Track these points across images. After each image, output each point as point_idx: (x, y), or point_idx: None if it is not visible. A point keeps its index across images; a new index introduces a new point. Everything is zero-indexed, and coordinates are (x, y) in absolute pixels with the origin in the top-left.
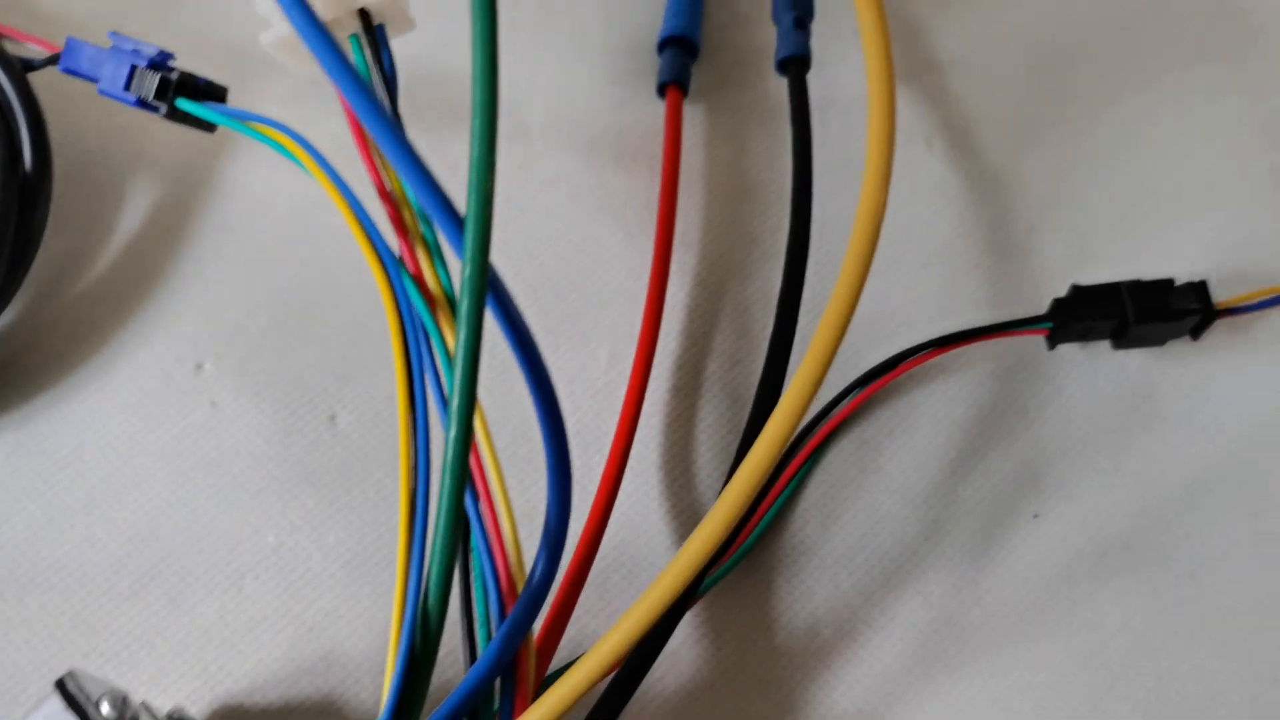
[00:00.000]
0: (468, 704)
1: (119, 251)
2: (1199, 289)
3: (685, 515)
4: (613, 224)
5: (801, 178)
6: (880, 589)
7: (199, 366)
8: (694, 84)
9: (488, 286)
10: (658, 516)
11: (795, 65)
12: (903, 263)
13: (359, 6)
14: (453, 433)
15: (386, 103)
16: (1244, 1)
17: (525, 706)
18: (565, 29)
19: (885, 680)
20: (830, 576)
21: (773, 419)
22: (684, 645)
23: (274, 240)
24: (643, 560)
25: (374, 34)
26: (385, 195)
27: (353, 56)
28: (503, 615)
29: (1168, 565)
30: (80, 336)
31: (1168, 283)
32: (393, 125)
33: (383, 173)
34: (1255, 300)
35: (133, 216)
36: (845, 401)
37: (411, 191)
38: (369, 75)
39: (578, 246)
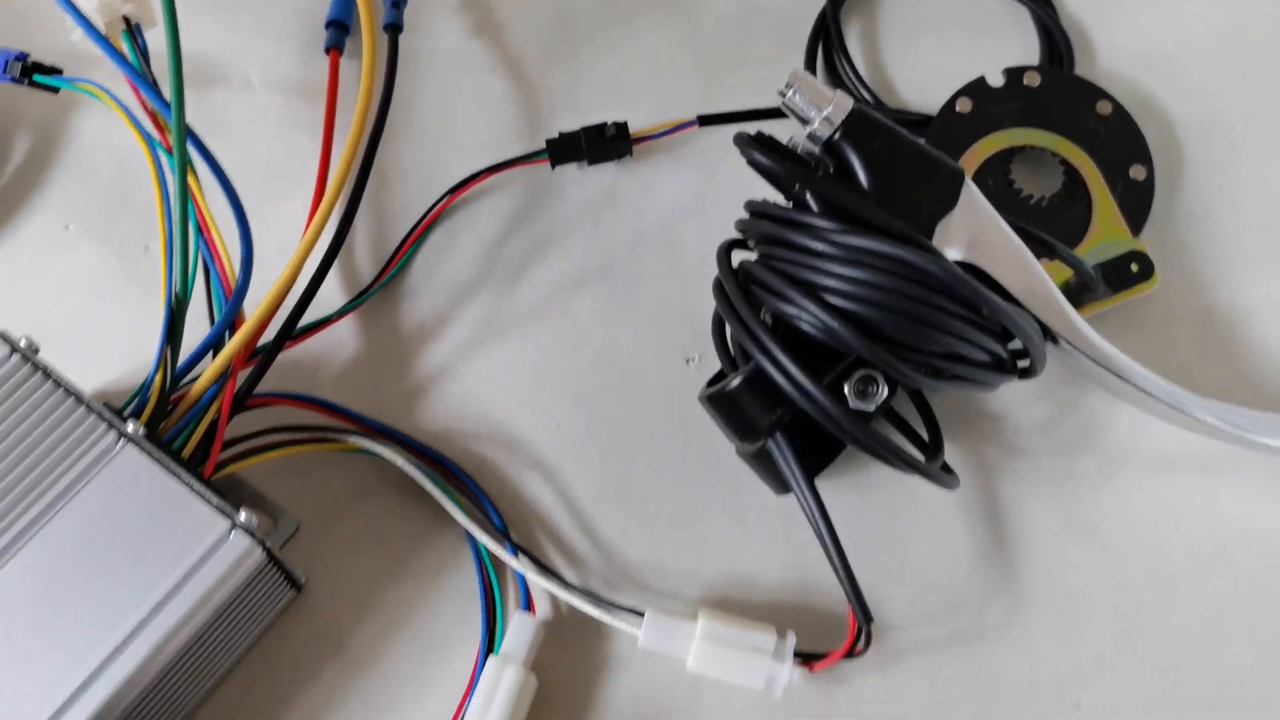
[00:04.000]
0: (215, 337)
1: (15, 166)
2: (621, 126)
3: (345, 268)
4: (306, 131)
5: (384, 100)
6: (459, 302)
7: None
8: (349, 47)
9: (185, 133)
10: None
11: (391, 30)
12: (483, 140)
13: (122, 15)
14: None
15: (145, 69)
16: None
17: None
18: (273, 21)
19: (462, 348)
20: (431, 300)
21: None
22: (345, 333)
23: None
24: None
25: (134, 30)
26: (147, 110)
27: (124, 44)
28: (226, 298)
29: (617, 277)
30: None
31: (603, 125)
32: (147, 79)
33: (144, 101)
34: (659, 131)
35: (19, 147)
36: (437, 204)
37: (156, 105)
38: (135, 56)
39: (286, 144)
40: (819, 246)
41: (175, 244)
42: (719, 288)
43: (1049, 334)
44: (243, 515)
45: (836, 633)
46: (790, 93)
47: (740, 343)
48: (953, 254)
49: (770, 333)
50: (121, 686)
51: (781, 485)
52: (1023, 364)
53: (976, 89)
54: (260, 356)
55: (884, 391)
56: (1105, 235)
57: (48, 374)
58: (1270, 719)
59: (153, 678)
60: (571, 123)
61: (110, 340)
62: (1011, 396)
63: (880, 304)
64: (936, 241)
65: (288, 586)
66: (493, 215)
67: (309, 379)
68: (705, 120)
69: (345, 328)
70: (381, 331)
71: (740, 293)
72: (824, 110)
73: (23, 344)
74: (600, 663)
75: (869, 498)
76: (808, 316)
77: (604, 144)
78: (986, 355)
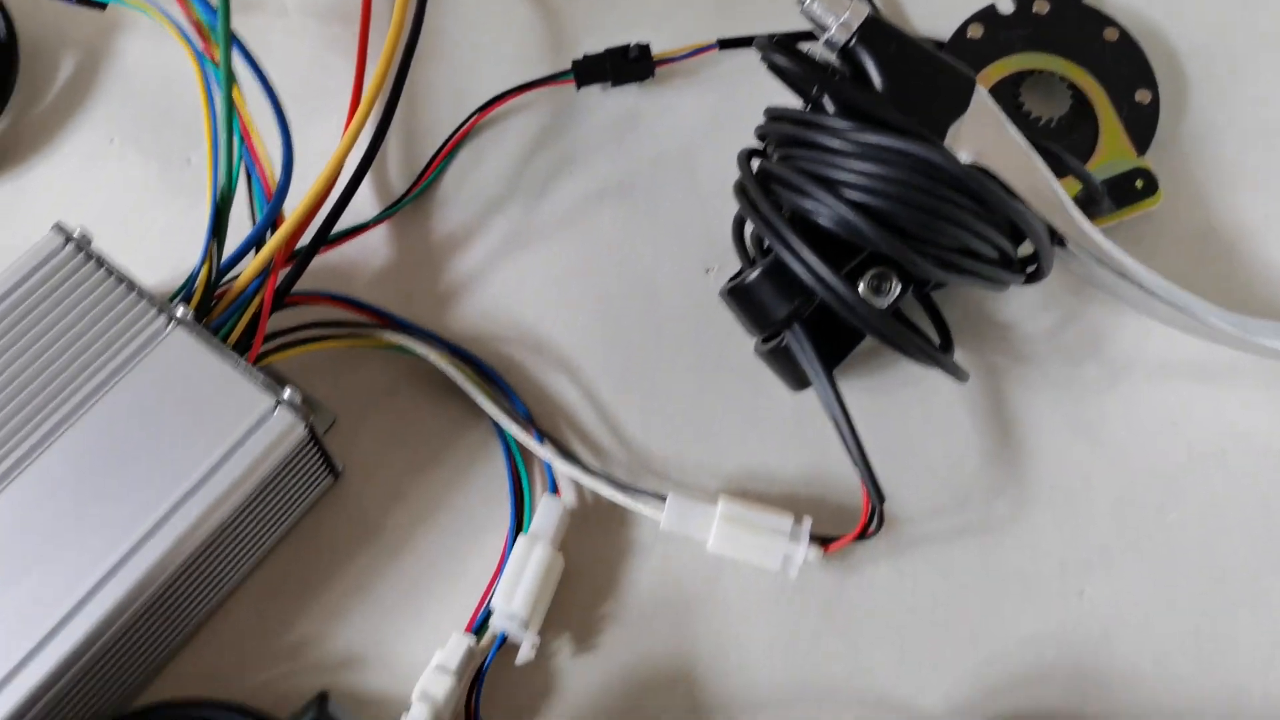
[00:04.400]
0: (257, 235)
1: (63, 82)
2: (644, 48)
3: (379, 180)
4: (340, 51)
5: (416, 23)
6: (488, 214)
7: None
8: None
9: (230, 41)
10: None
11: None
12: (510, 63)
13: None
14: (220, 100)
15: None
16: None
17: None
18: None
19: (491, 256)
20: (461, 212)
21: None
22: (379, 241)
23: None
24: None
25: None
26: (191, 19)
27: None
28: (267, 200)
29: (639, 193)
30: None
31: (626, 46)
32: None
33: (189, 11)
34: (680, 54)
35: (67, 65)
36: (467, 122)
37: (201, 12)
38: None
39: (321, 66)
40: (836, 144)
41: (220, 143)
42: (739, 187)
43: (1056, 237)
44: (287, 392)
45: (849, 523)
46: (808, 1)
47: (760, 237)
48: (964, 156)
49: (789, 224)
50: (171, 548)
51: (797, 381)
52: (1030, 269)
53: (987, 16)
54: (299, 257)
55: (897, 288)
56: (1111, 155)
57: (101, 262)
58: (1263, 609)
59: (201, 542)
60: (595, 47)
61: (154, 245)
62: (1019, 305)
63: (894, 197)
64: (948, 143)
65: (326, 471)
66: (520, 133)
67: (345, 283)
68: (725, 44)
69: (379, 236)
70: (413, 240)
71: (760, 189)
72: (841, 16)
73: (77, 234)
74: (624, 548)
75: (881, 400)
76: (825, 210)
77: (627, 65)
78: (996, 251)
